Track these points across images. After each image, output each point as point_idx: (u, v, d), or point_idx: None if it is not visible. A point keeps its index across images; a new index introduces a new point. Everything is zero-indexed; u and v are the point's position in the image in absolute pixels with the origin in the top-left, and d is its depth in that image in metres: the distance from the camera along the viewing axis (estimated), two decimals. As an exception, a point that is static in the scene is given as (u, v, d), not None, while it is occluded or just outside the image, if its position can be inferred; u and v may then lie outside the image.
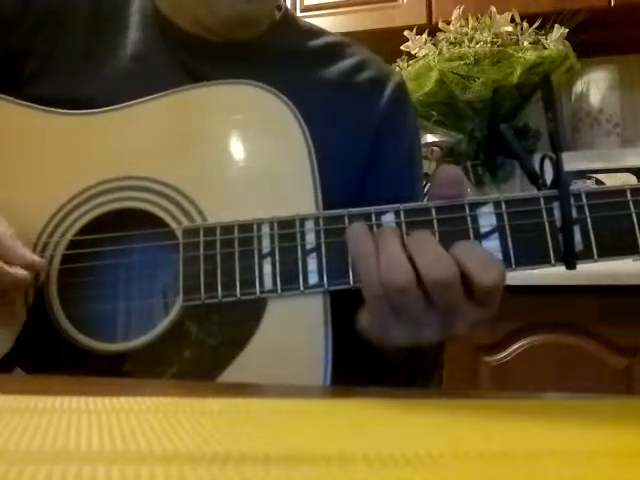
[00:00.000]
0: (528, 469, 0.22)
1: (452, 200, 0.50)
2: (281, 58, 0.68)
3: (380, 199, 0.53)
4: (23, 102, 0.60)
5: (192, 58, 0.65)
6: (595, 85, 1.72)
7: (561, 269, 0.49)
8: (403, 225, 0.50)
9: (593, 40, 1.55)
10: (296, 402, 0.38)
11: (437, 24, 1.60)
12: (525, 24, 1.53)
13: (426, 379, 0.61)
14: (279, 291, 0.51)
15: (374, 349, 0.51)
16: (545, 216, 0.49)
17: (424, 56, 1.56)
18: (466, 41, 1.53)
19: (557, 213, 0.49)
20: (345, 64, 0.70)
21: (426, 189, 1.57)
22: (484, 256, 0.46)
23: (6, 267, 0.51)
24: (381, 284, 0.45)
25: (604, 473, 0.22)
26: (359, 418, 0.33)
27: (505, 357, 1.36)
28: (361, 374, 0.62)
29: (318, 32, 0.73)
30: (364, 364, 0.59)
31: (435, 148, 1.70)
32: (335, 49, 0.72)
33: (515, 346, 1.35)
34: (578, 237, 0.48)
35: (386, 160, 0.68)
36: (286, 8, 0.73)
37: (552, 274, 1.26)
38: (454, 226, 0.49)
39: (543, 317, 1.34)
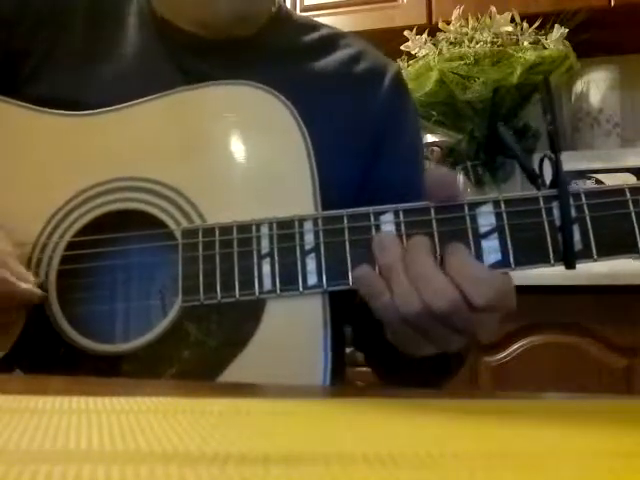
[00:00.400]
0: (528, 469, 0.22)
1: (452, 200, 0.50)
2: (278, 54, 0.68)
3: (382, 197, 0.53)
4: (22, 103, 0.60)
5: (189, 57, 0.65)
6: (595, 85, 1.72)
7: (561, 269, 0.49)
8: (402, 225, 0.50)
9: (593, 40, 1.55)
10: (296, 402, 0.38)
11: (437, 24, 1.60)
12: (525, 24, 1.53)
13: (449, 373, 0.62)
14: (278, 292, 0.51)
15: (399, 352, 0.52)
16: (544, 216, 0.49)
17: (424, 56, 1.56)
18: (466, 41, 1.53)
19: (556, 212, 0.49)
20: (341, 55, 0.70)
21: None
22: (474, 275, 0.46)
23: (21, 284, 0.51)
24: (394, 311, 0.46)
25: (604, 473, 0.22)
26: (359, 418, 0.33)
27: (505, 357, 1.36)
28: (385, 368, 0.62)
29: (313, 25, 0.73)
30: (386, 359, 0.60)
31: (435, 148, 1.70)
32: (330, 41, 0.71)
33: (515, 346, 1.35)
34: (577, 236, 0.48)
35: (389, 150, 0.68)
36: (280, 4, 0.73)
37: (552, 274, 1.26)
38: (453, 226, 0.49)
39: (543, 317, 1.34)
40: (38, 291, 0.53)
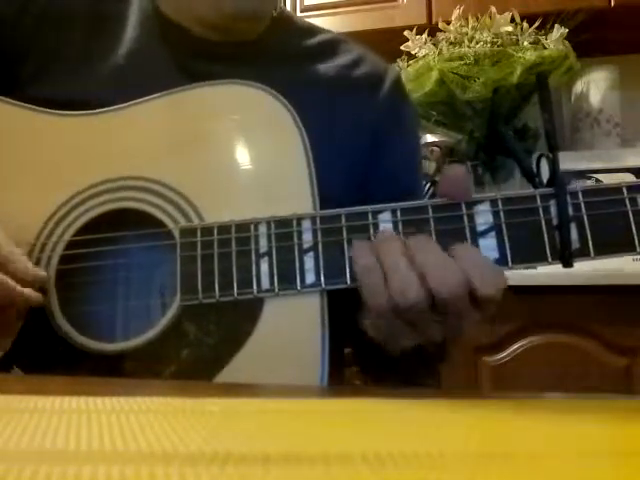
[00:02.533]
0: (528, 469, 0.22)
1: (449, 199, 0.50)
2: (279, 57, 0.68)
3: (381, 196, 0.53)
4: (22, 103, 0.60)
5: (191, 57, 0.65)
6: (595, 85, 1.72)
7: (561, 269, 0.49)
8: (400, 224, 0.50)
9: (593, 40, 1.55)
10: (296, 402, 0.38)
11: (437, 24, 1.60)
12: (525, 24, 1.53)
13: (430, 371, 0.62)
14: (276, 290, 0.51)
15: (375, 345, 0.52)
16: (542, 214, 0.49)
17: (424, 56, 1.56)
18: (466, 41, 1.53)
19: (554, 211, 0.49)
20: (341, 60, 0.71)
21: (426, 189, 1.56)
22: (485, 265, 0.46)
23: (19, 287, 0.51)
24: (389, 300, 0.46)
25: (604, 473, 0.22)
26: (358, 418, 0.33)
27: (505, 357, 1.36)
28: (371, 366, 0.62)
29: (313, 30, 0.74)
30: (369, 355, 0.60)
31: (435, 148, 1.70)
32: (331, 46, 0.72)
33: (515, 346, 1.35)
34: (575, 235, 0.49)
35: (388, 153, 0.68)
36: (282, 7, 0.73)
37: (552, 274, 1.26)
38: (451, 224, 0.49)
39: (543, 317, 1.34)
40: (36, 295, 0.53)
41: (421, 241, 0.47)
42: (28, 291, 0.52)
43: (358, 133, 0.67)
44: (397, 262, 0.46)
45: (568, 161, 1.52)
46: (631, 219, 0.48)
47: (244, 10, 0.63)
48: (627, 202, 0.49)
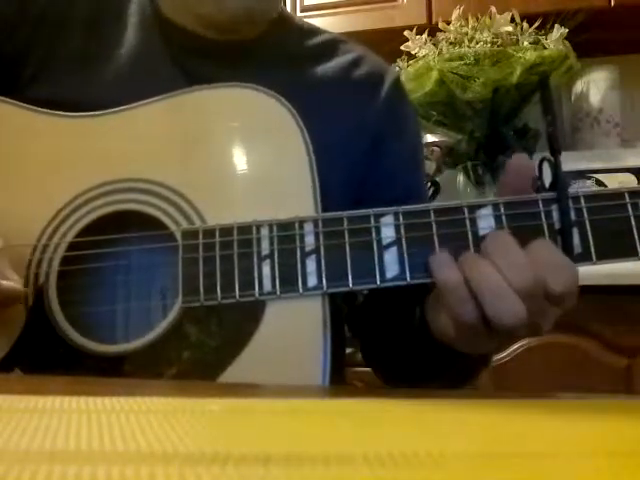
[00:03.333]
0: (528, 469, 0.22)
1: (451, 202, 0.50)
2: (279, 58, 0.68)
3: (382, 199, 0.53)
4: (22, 104, 0.60)
5: (191, 58, 0.65)
6: (595, 85, 1.72)
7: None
8: (402, 227, 0.50)
9: (593, 40, 1.55)
10: (296, 402, 0.38)
11: (437, 24, 1.60)
12: (525, 24, 1.53)
13: (477, 375, 0.62)
14: (278, 293, 0.51)
15: (446, 351, 0.52)
16: (544, 219, 0.49)
17: (424, 56, 1.56)
18: (466, 41, 1.53)
19: (556, 215, 0.49)
20: (341, 61, 0.71)
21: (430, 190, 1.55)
22: (557, 261, 0.45)
23: (3, 282, 0.51)
24: (479, 317, 0.45)
25: (604, 473, 0.22)
26: (358, 418, 0.33)
27: (505, 357, 1.36)
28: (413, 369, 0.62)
29: (314, 31, 0.74)
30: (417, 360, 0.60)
31: (435, 148, 1.70)
32: (331, 46, 0.72)
33: (515, 346, 1.35)
34: (577, 240, 0.48)
35: (388, 154, 0.68)
36: (282, 8, 0.73)
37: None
38: (453, 228, 0.49)
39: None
40: (19, 288, 0.53)
41: (498, 242, 0.46)
42: (10, 284, 0.52)
43: (358, 134, 0.67)
44: (492, 283, 0.44)
45: (568, 161, 1.52)
46: (633, 224, 0.48)
47: (245, 10, 0.63)
48: (629, 207, 0.48)
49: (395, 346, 0.63)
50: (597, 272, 1.24)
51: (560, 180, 0.49)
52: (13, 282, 0.52)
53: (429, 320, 0.52)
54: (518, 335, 0.47)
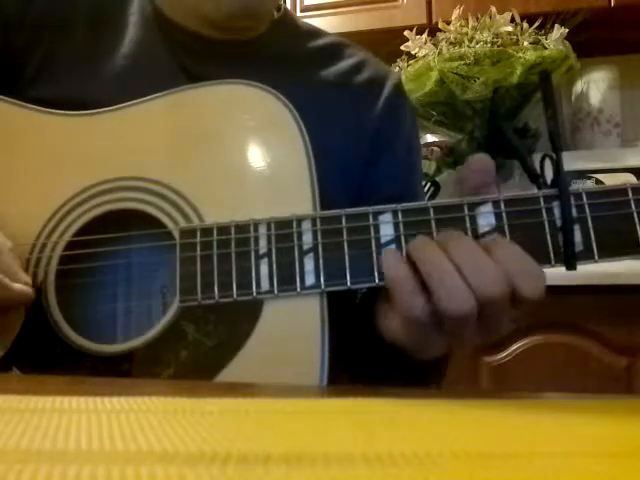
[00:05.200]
0: (528, 469, 0.22)
1: (451, 200, 0.50)
2: (280, 58, 0.68)
3: (379, 199, 0.53)
4: (23, 103, 0.60)
5: (190, 56, 0.65)
6: (595, 85, 1.72)
7: (561, 269, 0.49)
8: (401, 225, 0.50)
9: (593, 40, 1.55)
10: (296, 402, 0.37)
11: (437, 24, 1.60)
12: (525, 24, 1.53)
13: (441, 375, 0.62)
14: (276, 292, 0.50)
15: (398, 353, 0.51)
16: (545, 216, 0.48)
17: (424, 56, 1.56)
18: (466, 41, 1.53)
19: (557, 213, 0.48)
20: (344, 65, 0.71)
21: (427, 190, 1.55)
22: (530, 268, 0.45)
23: (10, 282, 0.51)
24: (424, 309, 0.45)
25: (604, 473, 0.22)
26: (358, 418, 0.33)
27: (505, 357, 1.36)
28: (371, 371, 0.62)
29: (317, 33, 0.74)
30: (375, 361, 0.59)
31: (435, 148, 1.70)
32: (334, 50, 0.72)
33: (515, 346, 1.35)
34: (578, 237, 0.48)
35: (385, 160, 0.68)
36: (285, 9, 0.73)
37: (552, 274, 1.25)
38: (452, 226, 0.49)
39: (543, 317, 1.33)
40: (31, 292, 0.53)
41: (456, 239, 0.46)
42: (22, 287, 0.52)
43: (357, 137, 0.67)
44: (442, 270, 0.44)
45: (568, 161, 1.52)
46: (636, 221, 0.47)
47: (242, 8, 0.63)
48: (632, 204, 0.48)
49: (360, 346, 0.63)
50: (597, 272, 1.24)
51: (562, 176, 0.48)
52: (24, 283, 0.52)
53: (380, 324, 0.52)
54: (468, 332, 0.46)
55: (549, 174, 0.49)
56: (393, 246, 0.49)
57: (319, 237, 0.51)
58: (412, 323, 0.47)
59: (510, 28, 1.53)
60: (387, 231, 0.50)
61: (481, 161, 0.50)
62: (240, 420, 0.31)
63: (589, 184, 1.53)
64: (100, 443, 0.24)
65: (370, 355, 0.60)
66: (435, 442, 0.26)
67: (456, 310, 0.44)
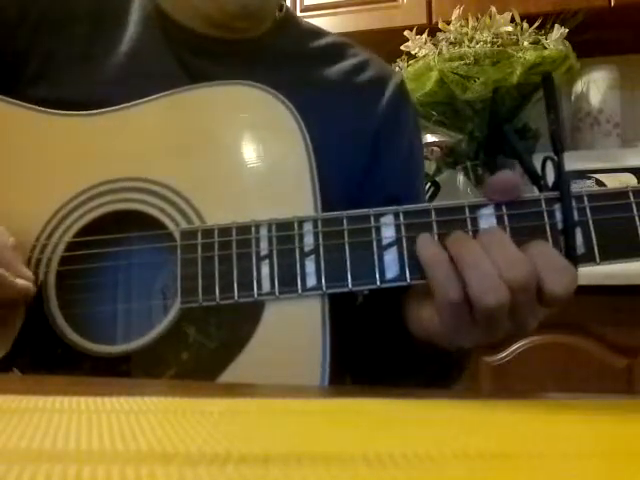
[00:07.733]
0: (528, 469, 0.22)
1: (452, 202, 0.50)
2: (282, 58, 0.68)
3: (381, 199, 0.53)
4: (24, 103, 0.60)
5: (192, 56, 0.65)
6: (595, 85, 1.72)
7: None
8: (402, 227, 0.50)
9: (593, 40, 1.55)
10: (296, 402, 0.37)
11: (437, 24, 1.60)
12: (525, 24, 1.53)
13: (462, 370, 0.62)
14: (277, 293, 0.50)
15: (425, 348, 0.52)
16: (546, 218, 0.48)
17: (424, 56, 1.56)
18: (466, 41, 1.53)
19: (559, 215, 0.48)
20: (346, 64, 0.70)
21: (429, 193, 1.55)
22: (559, 263, 0.45)
23: (11, 278, 0.51)
24: (464, 298, 0.45)
25: (604, 473, 0.22)
26: (359, 418, 0.33)
27: (505, 357, 1.36)
28: (384, 372, 0.62)
29: (319, 33, 0.73)
30: (392, 359, 0.59)
31: (435, 148, 1.70)
32: (336, 49, 0.72)
33: (515, 346, 1.35)
34: (580, 240, 0.48)
35: (386, 160, 0.68)
36: (287, 8, 0.73)
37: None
38: (454, 228, 0.49)
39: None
40: (32, 287, 0.53)
41: (488, 232, 0.46)
42: (25, 283, 0.52)
43: (359, 137, 0.67)
44: (476, 260, 0.45)
45: (568, 161, 1.52)
46: (637, 224, 0.47)
47: (242, 7, 0.63)
48: (634, 206, 0.47)
49: (369, 346, 0.63)
50: (597, 272, 1.24)
51: (563, 179, 0.48)
52: (27, 279, 0.52)
53: (408, 318, 0.52)
54: (501, 328, 0.46)
55: (550, 175, 0.49)
56: (394, 248, 0.49)
57: (320, 239, 0.50)
58: (447, 308, 0.46)
59: (510, 28, 1.53)
60: (388, 233, 0.50)
61: (501, 181, 0.49)
62: (240, 420, 0.31)
63: (589, 184, 1.53)
64: (100, 443, 0.24)
65: (385, 355, 0.60)
66: (435, 442, 0.26)
67: (489, 300, 0.44)
